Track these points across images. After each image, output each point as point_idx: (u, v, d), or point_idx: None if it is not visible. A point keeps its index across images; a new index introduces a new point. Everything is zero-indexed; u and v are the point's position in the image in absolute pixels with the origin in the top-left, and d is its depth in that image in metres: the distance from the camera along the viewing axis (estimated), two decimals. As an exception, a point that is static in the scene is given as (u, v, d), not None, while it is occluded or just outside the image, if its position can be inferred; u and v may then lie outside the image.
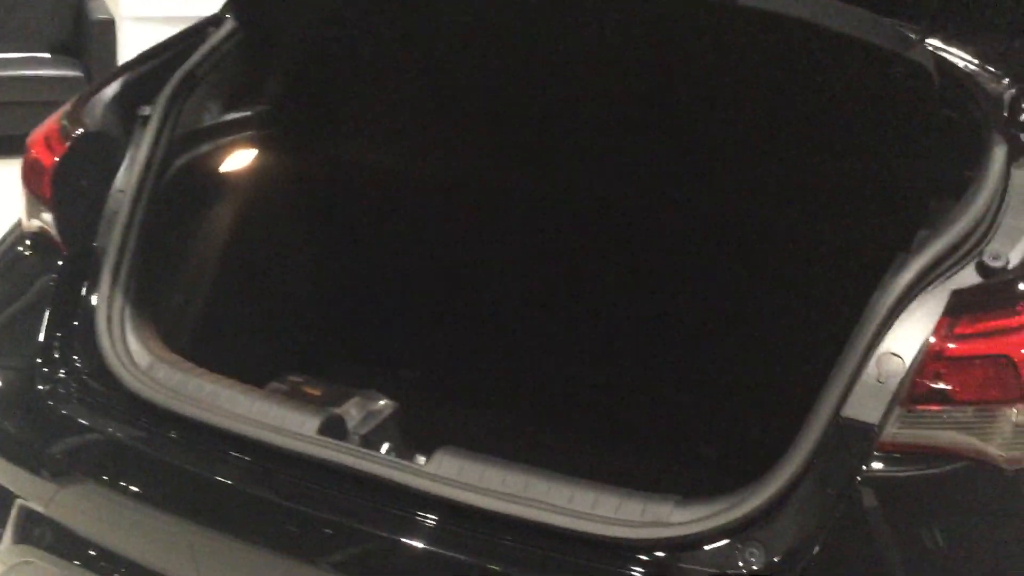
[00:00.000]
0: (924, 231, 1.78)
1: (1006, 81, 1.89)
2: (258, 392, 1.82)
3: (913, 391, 1.42)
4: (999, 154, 1.69)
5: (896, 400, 1.44)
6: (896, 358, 1.49)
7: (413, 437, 2.36)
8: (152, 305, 2.04)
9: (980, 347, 1.41)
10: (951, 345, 1.42)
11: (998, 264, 1.55)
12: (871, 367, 1.50)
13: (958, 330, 1.42)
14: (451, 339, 2.82)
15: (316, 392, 2.59)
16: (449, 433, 2.46)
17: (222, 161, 2.32)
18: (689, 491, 2.35)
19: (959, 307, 1.45)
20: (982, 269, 1.55)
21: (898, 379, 1.47)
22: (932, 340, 1.43)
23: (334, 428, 1.73)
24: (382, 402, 2.58)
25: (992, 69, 1.94)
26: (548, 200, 2.47)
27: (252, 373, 2.58)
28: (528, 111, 2.30)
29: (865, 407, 1.48)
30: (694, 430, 2.53)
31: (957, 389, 1.41)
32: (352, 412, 2.51)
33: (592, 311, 2.60)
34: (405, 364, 2.81)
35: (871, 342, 1.50)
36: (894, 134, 1.87)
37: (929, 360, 1.42)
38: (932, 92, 1.69)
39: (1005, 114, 1.81)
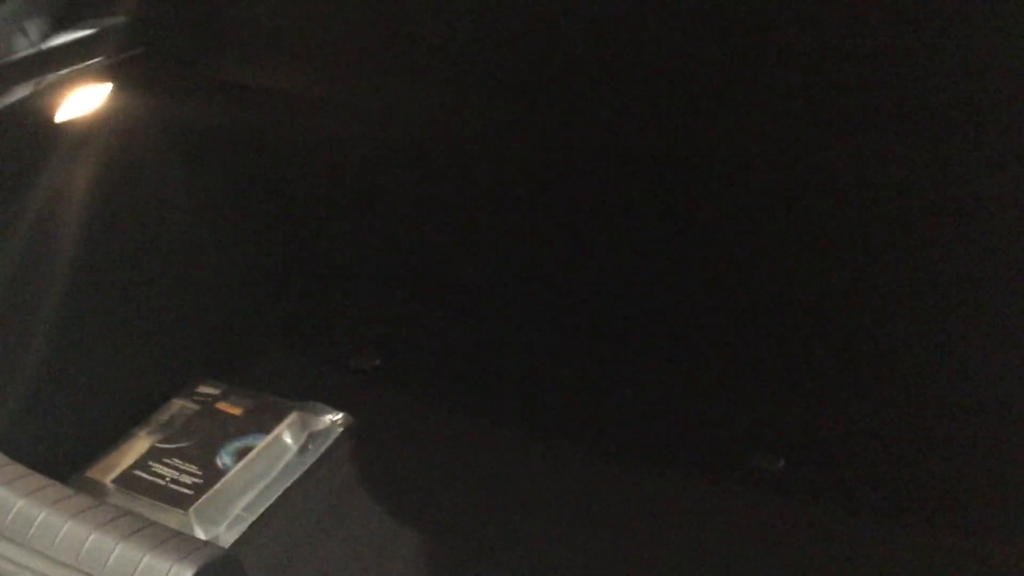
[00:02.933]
0: None
1: None
2: (97, 513, 1.11)
3: None
4: None
5: None
6: None
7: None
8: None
9: None
10: None
11: None
12: None
13: None
14: (418, 315, 2.12)
15: (236, 410, 1.91)
16: (421, 465, 1.83)
17: (58, 105, 1.57)
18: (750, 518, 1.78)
19: None
20: None
21: None
22: None
23: (219, 579, 1.04)
24: (329, 417, 1.92)
25: None
26: (539, 144, 1.72)
27: (149, 386, 1.92)
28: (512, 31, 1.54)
29: None
30: (748, 436, 1.85)
31: None
32: (287, 439, 1.85)
33: (612, 283, 1.89)
34: (356, 353, 2.11)
35: None
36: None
37: None
38: None
39: None
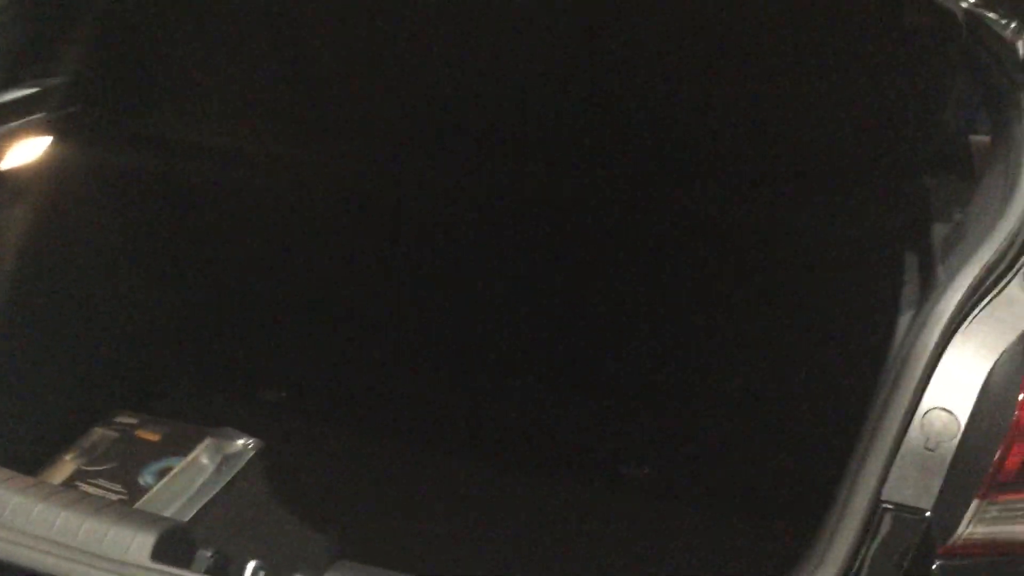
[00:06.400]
0: (939, 225, 1.41)
1: (1013, 25, 1.51)
2: (64, 496, 1.29)
3: (997, 476, 1.03)
4: (1034, 125, 1.31)
5: (969, 487, 1.04)
6: (947, 415, 1.10)
7: (290, 511, 1.88)
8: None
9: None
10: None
11: (1058, 276, 1.18)
12: (914, 429, 1.11)
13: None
14: (319, 352, 2.32)
15: (155, 437, 2.07)
16: (327, 481, 2.02)
17: (2, 156, 1.74)
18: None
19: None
20: None
21: (952, 442, 1.09)
22: (1019, 409, 1.04)
23: (176, 546, 1.23)
24: (241, 441, 2.09)
25: (993, 14, 1.55)
26: (435, 189, 1.97)
27: (70, 416, 2.07)
28: (420, 84, 1.80)
29: (912, 486, 1.09)
30: (618, 448, 2.11)
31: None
32: (204, 459, 2.01)
33: (496, 313, 2.13)
34: (266, 385, 2.30)
35: (915, 394, 1.11)
36: (905, 95, 1.45)
37: (1018, 434, 1.03)
38: (955, 47, 1.29)
39: (1024, 70, 1.43)
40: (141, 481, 1.94)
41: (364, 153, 1.97)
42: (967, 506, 1.04)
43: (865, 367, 1.26)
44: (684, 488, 1.97)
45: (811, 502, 1.23)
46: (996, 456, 1.03)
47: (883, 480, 1.09)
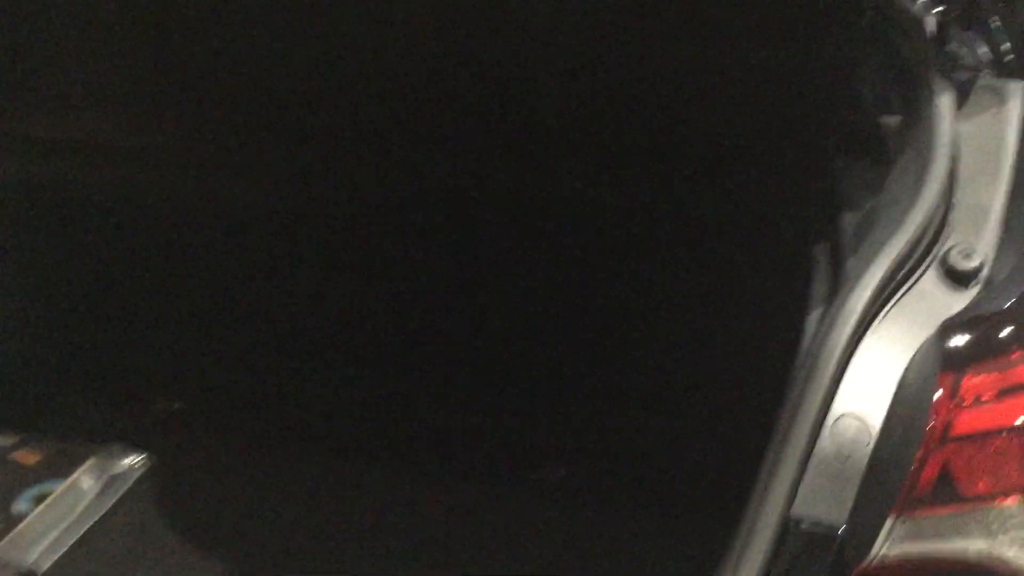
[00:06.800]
0: (849, 213, 1.33)
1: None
2: None
3: (912, 490, 0.95)
4: (945, 103, 1.23)
5: (884, 502, 0.96)
6: (858, 422, 1.02)
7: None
8: None
9: (1003, 413, 0.95)
10: (962, 416, 0.95)
11: (972, 265, 1.10)
12: (824, 439, 1.02)
13: (968, 391, 0.95)
14: (216, 358, 2.19)
15: (34, 458, 1.94)
16: (223, 501, 1.89)
17: None
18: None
19: (961, 352, 0.98)
20: (952, 274, 1.10)
21: (865, 451, 1.01)
22: (933, 416, 0.95)
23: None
24: (128, 459, 1.95)
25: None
26: (319, 184, 1.85)
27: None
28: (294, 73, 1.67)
29: (824, 501, 1.01)
30: (534, 451, 2.02)
31: (973, 480, 0.95)
32: (86, 481, 1.88)
33: (401, 315, 2.02)
34: (158, 395, 2.16)
35: (824, 399, 1.03)
36: (812, 73, 1.36)
37: (933, 444, 0.95)
38: (863, 20, 1.21)
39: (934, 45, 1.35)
40: (15, 509, 1.79)
41: (249, 145, 1.84)
42: (882, 523, 0.96)
43: (775, 367, 1.18)
44: (601, 490, 1.89)
45: (726, 504, 1.16)
46: (911, 468, 0.95)
47: (793, 493, 1.01)
